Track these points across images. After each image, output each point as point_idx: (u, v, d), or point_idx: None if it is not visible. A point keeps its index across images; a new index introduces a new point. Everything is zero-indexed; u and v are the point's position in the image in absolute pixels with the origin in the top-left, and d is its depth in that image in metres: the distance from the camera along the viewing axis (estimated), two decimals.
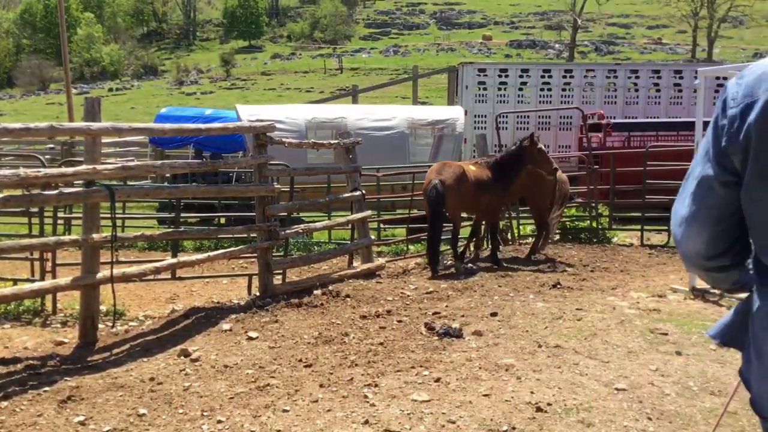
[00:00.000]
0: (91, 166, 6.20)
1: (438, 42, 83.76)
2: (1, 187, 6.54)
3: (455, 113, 17.13)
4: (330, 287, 8.31)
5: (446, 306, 7.57)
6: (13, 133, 5.72)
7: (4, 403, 4.80)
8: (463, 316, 7.11)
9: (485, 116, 21.34)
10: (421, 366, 5.49)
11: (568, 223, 12.89)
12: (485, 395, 4.85)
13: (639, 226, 12.37)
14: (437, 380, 5.13)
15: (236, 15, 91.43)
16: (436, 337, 6.29)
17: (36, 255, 8.40)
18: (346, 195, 9.68)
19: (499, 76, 21.69)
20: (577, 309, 7.33)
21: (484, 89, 21.67)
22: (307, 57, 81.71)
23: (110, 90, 68.19)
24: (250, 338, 6.37)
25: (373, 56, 79.54)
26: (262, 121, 9.16)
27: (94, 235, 6.30)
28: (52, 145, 24.23)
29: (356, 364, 5.56)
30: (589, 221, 12.77)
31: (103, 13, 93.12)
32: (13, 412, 4.66)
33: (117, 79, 78.17)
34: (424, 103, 38.03)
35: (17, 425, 4.40)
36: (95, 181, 6.28)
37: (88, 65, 80.00)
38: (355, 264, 9.71)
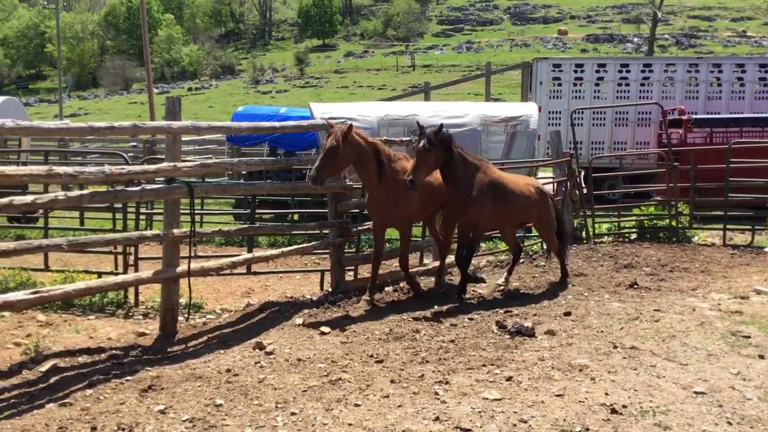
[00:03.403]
0: (171, 164, 6.40)
1: (512, 37, 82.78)
2: (87, 184, 6.82)
3: (529, 110, 16.89)
4: (401, 284, 8.35)
5: (518, 304, 7.50)
6: (99, 131, 5.96)
7: (89, 391, 5.02)
8: (535, 314, 7.03)
9: (560, 112, 21.00)
10: (492, 364, 5.46)
11: (646, 221, 12.56)
12: (558, 395, 4.78)
13: (721, 225, 11.94)
14: (509, 379, 5.09)
15: (311, 14, 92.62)
16: (508, 336, 6.24)
17: (119, 249, 8.72)
18: None
19: (575, 71, 21.30)
20: (655, 310, 7.14)
21: (559, 85, 21.33)
22: (380, 55, 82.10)
23: (189, 89, 70.16)
24: (323, 333, 6.46)
25: (446, 53, 79.26)
26: (335, 118, 9.27)
27: (175, 231, 6.50)
28: (134, 143, 25.12)
29: (427, 361, 5.57)
30: (668, 220, 12.40)
31: (182, 15, 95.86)
32: (97, 399, 4.86)
33: (196, 78, 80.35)
34: (497, 100, 37.69)
35: (101, 413, 4.59)
36: (176, 178, 6.48)
37: (168, 65, 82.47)
38: (426, 261, 9.70)
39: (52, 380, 5.23)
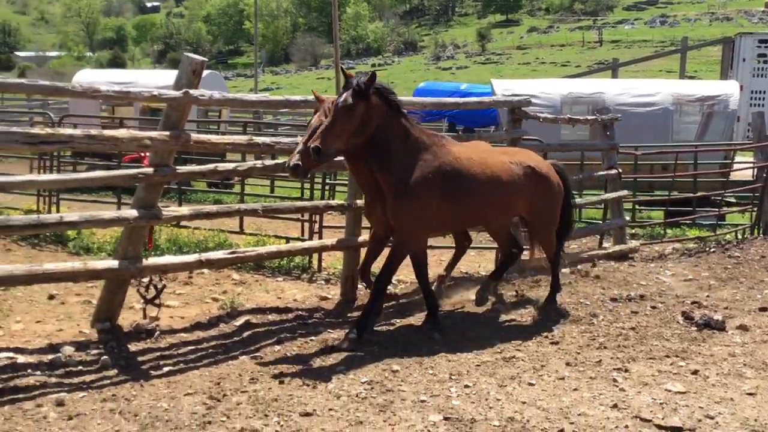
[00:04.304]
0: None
1: (712, 11, 76.85)
2: (280, 154, 7.22)
3: (728, 88, 15.68)
4: (579, 266, 8.13)
5: (707, 296, 7.05)
6: (294, 104, 6.30)
7: (277, 347, 5.39)
8: (726, 308, 6.57)
9: (765, 92, 19.32)
10: (676, 356, 5.19)
11: None
12: (749, 394, 4.47)
13: None
14: (694, 372, 4.83)
15: None
16: (695, 328, 5.90)
17: (306, 216, 9.20)
18: (601, 173, 9.35)
19: None
20: None
21: (765, 62, 19.60)
22: (565, 30, 79.48)
23: (373, 65, 71.89)
24: (496, 310, 6.46)
25: (637, 27, 75.24)
26: (516, 95, 9.13)
27: (358, 201, 6.75)
28: None
29: (605, 347, 5.41)
30: None
31: None
32: (285, 355, 5.21)
33: (379, 55, 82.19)
34: (692, 78, 35.26)
35: (288, 367, 4.92)
36: None
37: (354, 42, 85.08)
38: (605, 245, 9.38)
39: (245, 335, 5.65)
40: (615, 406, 4.25)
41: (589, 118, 9.63)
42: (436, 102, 8.42)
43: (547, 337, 5.66)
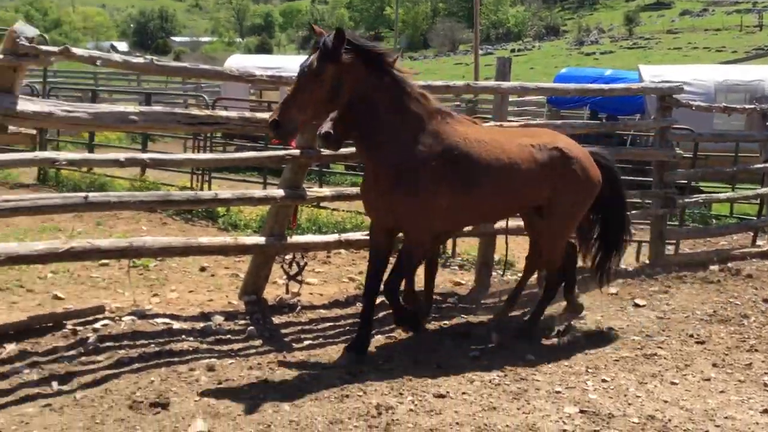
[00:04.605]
0: (499, 123, 6.58)
1: None
2: None
3: None
4: (729, 264, 7.71)
5: None
6: (435, 89, 6.33)
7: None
8: None
9: None
10: None
11: None
12: None
13: None
14: None
15: None
16: None
17: None
18: (758, 166, 8.79)
19: None
20: None
21: None
22: (721, 13, 74.64)
23: (512, 51, 70.64)
24: (637, 305, 6.28)
25: None
26: (666, 82, 8.74)
27: None
28: (457, 103, 26.19)
29: (756, 350, 5.13)
30: None
31: None
32: (418, 339, 5.28)
33: (519, 40, 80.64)
34: None
35: (420, 350, 5.00)
36: None
37: (494, 27, 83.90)
38: (759, 242, 8.81)
39: (380, 315, 5.74)
40: (765, 411, 4.04)
41: (747, 107, 9.06)
42: (580, 88, 8.21)
43: (692, 336, 5.44)
